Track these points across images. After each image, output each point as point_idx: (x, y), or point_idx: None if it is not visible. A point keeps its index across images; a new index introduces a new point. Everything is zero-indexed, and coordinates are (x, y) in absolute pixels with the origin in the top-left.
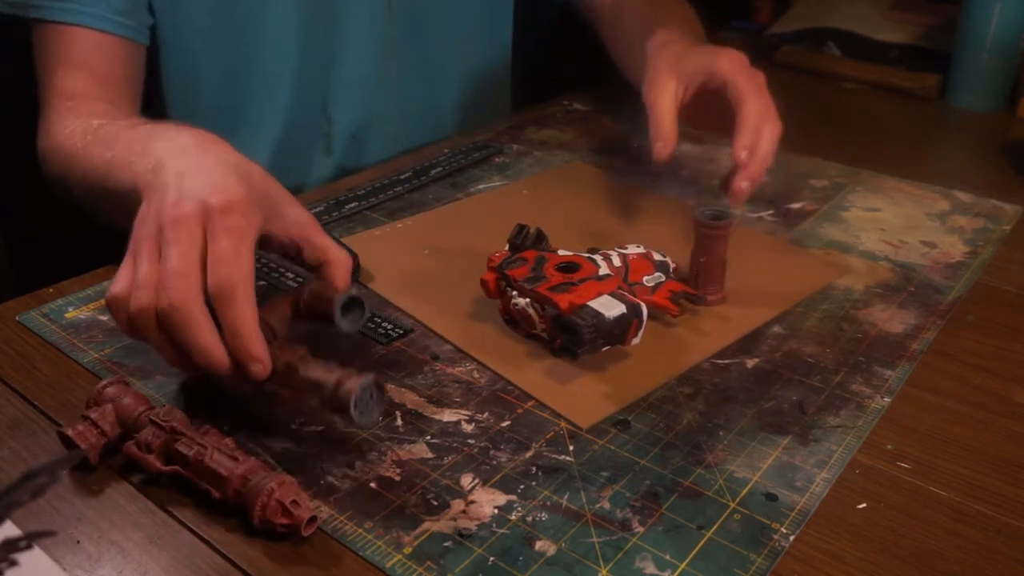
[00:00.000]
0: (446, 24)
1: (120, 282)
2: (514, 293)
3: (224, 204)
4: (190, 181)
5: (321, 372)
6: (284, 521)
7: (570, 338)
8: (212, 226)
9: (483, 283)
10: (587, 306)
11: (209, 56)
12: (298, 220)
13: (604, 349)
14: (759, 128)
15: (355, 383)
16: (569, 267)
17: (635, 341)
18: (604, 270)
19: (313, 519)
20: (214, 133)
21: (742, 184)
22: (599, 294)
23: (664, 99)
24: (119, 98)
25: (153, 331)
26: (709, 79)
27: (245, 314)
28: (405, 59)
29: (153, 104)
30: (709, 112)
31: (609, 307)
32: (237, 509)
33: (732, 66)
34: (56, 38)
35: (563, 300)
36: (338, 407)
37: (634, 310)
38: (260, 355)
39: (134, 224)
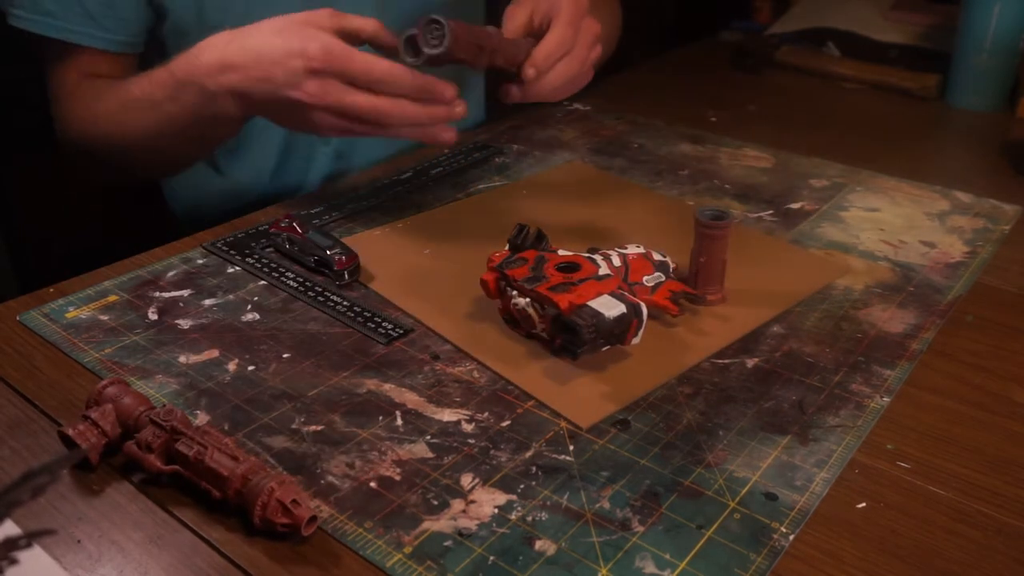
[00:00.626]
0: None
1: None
2: (514, 293)
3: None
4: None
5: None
6: (284, 521)
7: (570, 338)
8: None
9: (483, 283)
10: (587, 306)
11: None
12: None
13: (604, 349)
14: (553, 54)
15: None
16: (569, 267)
17: (635, 341)
18: (604, 270)
19: (313, 519)
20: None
21: (528, 71)
22: (599, 294)
23: (515, 26)
24: None
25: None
26: (547, 15)
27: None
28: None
29: None
30: None
31: (609, 307)
32: (237, 509)
33: (571, 6)
34: (50, 42)
35: (563, 300)
36: None
37: (634, 310)
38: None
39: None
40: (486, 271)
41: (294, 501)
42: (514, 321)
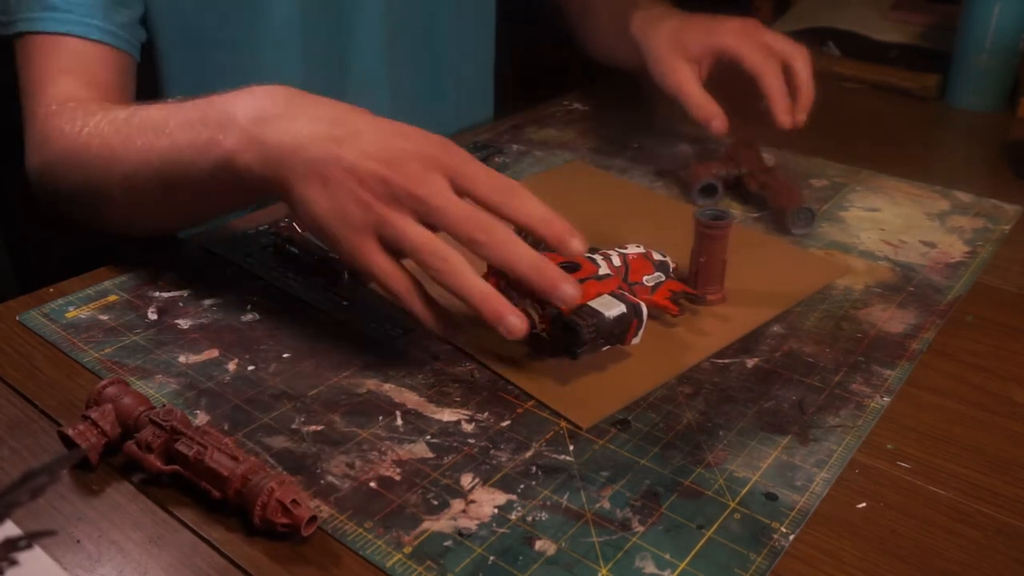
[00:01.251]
0: (438, 23)
1: (390, 275)
2: (515, 293)
3: (435, 142)
4: (368, 138)
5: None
6: (284, 521)
7: (570, 338)
8: (445, 165)
9: None
10: (587, 305)
11: (210, 63)
12: None
13: (604, 349)
14: (783, 87)
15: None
16: (569, 267)
17: (635, 341)
18: (604, 270)
19: (313, 519)
20: None
21: (786, 118)
22: (599, 294)
23: (688, 81)
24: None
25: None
26: (719, 57)
27: (531, 198)
28: (404, 55)
29: None
30: (727, 81)
31: (609, 307)
32: (237, 509)
33: (737, 39)
34: (45, 50)
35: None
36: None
37: (634, 310)
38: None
39: (322, 212)
40: (487, 271)
41: (294, 501)
42: None
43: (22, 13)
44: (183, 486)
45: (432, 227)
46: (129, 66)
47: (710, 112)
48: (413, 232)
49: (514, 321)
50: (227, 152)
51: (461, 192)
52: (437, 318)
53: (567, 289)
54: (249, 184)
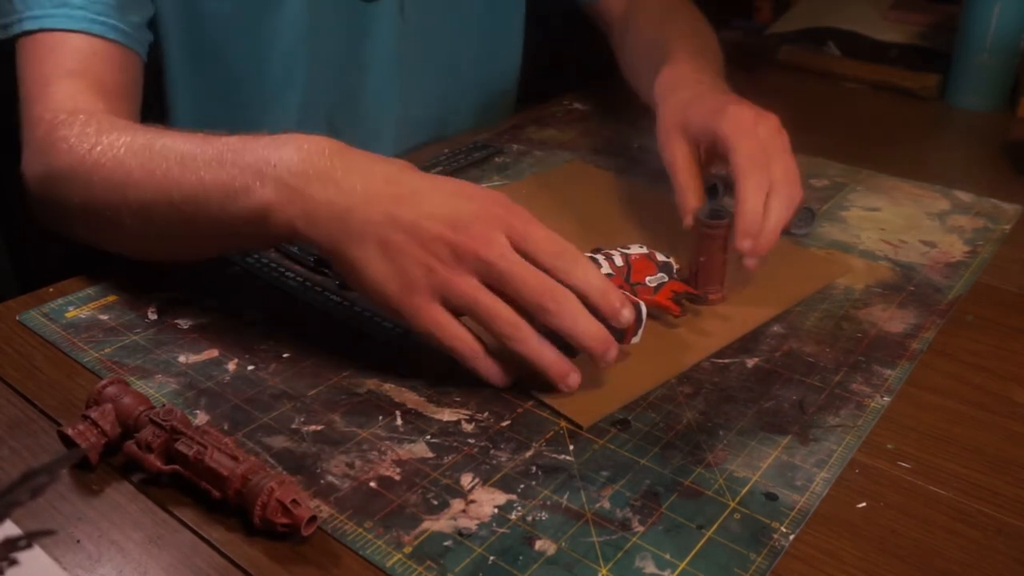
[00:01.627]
0: (457, 34)
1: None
2: None
3: (497, 200)
4: (428, 198)
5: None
6: (284, 521)
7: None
8: (509, 225)
9: None
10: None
11: (217, 70)
12: None
13: None
14: (758, 207)
15: None
16: None
17: (635, 340)
18: (606, 269)
19: (313, 519)
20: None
21: (749, 263)
22: None
23: (678, 162)
24: (122, 112)
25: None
26: (714, 143)
27: (590, 266)
28: (415, 69)
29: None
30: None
31: None
32: (237, 508)
33: (732, 129)
34: (52, 48)
35: None
36: None
37: (634, 308)
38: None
39: (381, 276)
40: None
41: (294, 501)
42: None
43: (28, 11)
44: (183, 486)
45: (494, 288)
46: (138, 67)
47: (684, 204)
48: (483, 297)
49: (576, 378)
50: (263, 204)
51: (521, 253)
52: (505, 373)
53: (614, 354)
54: (285, 238)
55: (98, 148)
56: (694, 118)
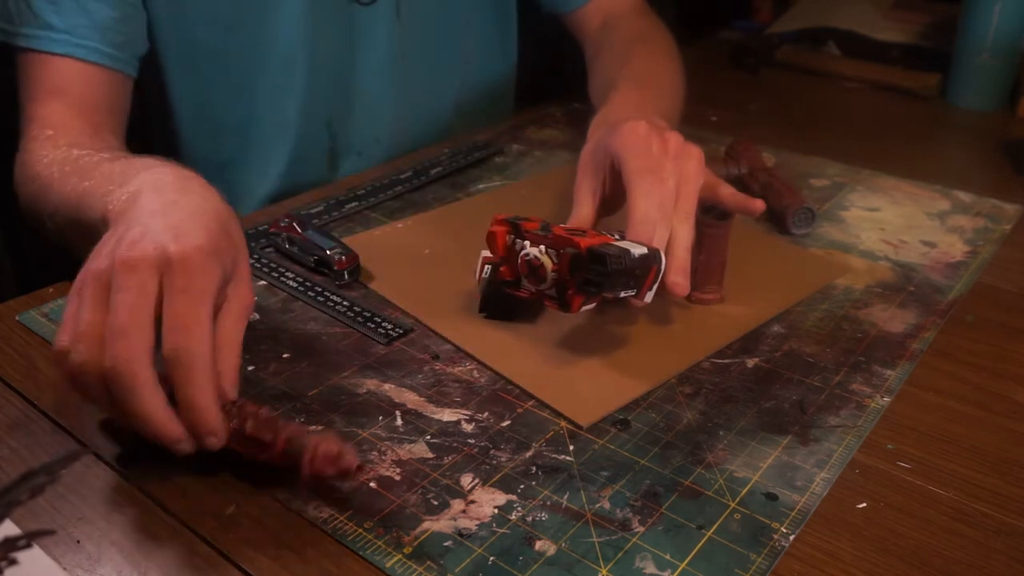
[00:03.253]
0: (454, 36)
1: (65, 330)
2: (526, 243)
3: (183, 255)
4: (157, 220)
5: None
6: (333, 471)
7: (597, 268)
8: (169, 281)
9: (490, 236)
10: (612, 244)
11: (215, 76)
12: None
13: (623, 296)
14: (648, 214)
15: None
16: (575, 232)
17: (648, 297)
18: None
19: (360, 466)
20: (224, 153)
21: (672, 279)
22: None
23: (583, 208)
24: (101, 126)
25: (97, 391)
26: (613, 164)
27: (203, 388)
28: (413, 72)
29: (152, 131)
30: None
31: (633, 247)
32: (285, 468)
33: (622, 144)
34: (39, 67)
35: (584, 241)
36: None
37: (655, 256)
38: (217, 428)
39: (89, 255)
40: (493, 224)
41: (339, 452)
42: (515, 284)
43: (23, 27)
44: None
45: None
46: (122, 83)
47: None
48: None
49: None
50: (107, 205)
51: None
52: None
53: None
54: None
55: (44, 161)
56: (599, 147)
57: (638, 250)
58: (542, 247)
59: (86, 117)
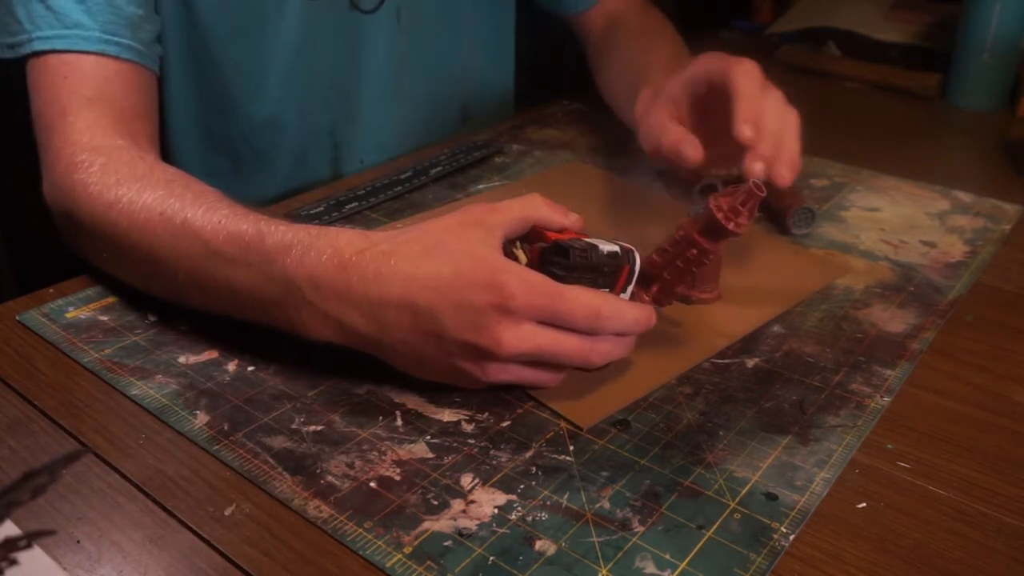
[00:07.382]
0: (455, 43)
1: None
2: (516, 242)
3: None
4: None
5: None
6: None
7: (561, 261)
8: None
9: None
10: (582, 240)
11: (219, 82)
12: None
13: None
14: (758, 98)
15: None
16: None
17: (624, 296)
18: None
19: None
20: (224, 161)
21: (754, 166)
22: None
23: (659, 116)
24: (140, 136)
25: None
26: (695, 87)
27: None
28: (415, 79)
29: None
30: (710, 123)
31: (603, 244)
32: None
33: (711, 60)
34: (68, 70)
35: (555, 236)
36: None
37: (627, 255)
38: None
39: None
40: (529, 246)
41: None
42: None
43: (38, 31)
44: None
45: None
46: (152, 84)
47: (680, 136)
48: (538, 344)
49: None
50: (296, 323)
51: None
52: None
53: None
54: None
55: (119, 206)
56: (666, 87)
57: (608, 247)
58: (518, 242)
59: (125, 126)
